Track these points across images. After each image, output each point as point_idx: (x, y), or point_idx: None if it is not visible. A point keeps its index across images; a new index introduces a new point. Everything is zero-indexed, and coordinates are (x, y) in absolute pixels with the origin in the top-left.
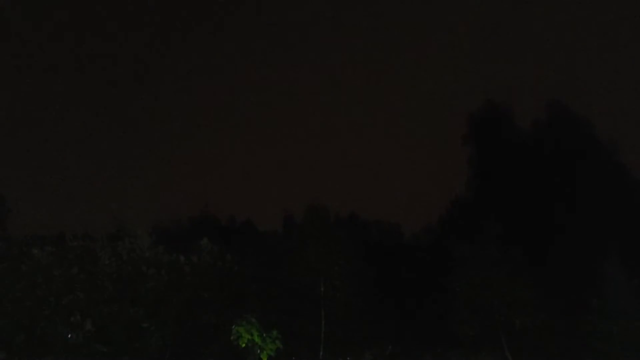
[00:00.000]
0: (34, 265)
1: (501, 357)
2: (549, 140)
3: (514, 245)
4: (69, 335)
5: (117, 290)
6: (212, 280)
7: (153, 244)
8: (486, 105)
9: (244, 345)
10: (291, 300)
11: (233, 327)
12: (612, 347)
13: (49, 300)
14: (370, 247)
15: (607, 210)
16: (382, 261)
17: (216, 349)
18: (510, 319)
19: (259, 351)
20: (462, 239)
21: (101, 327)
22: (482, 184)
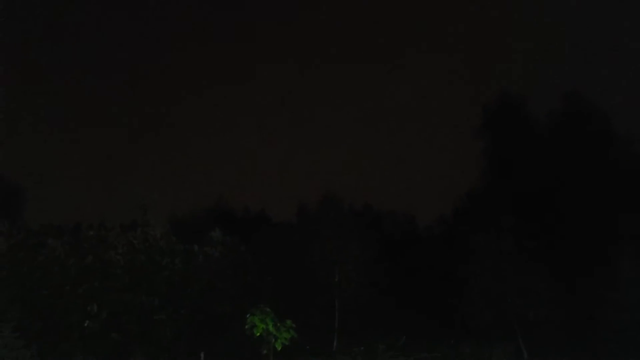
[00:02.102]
0: (50, 255)
1: (515, 348)
2: (565, 132)
3: (528, 237)
4: (85, 324)
5: (131, 280)
6: (226, 271)
7: (166, 234)
8: (501, 96)
9: (258, 334)
10: (305, 290)
11: (248, 316)
12: (627, 339)
13: (65, 289)
14: (384, 238)
15: (623, 203)
16: (396, 252)
17: (230, 338)
18: (524, 311)
19: (273, 340)
20: (476, 230)
21: (116, 316)
22: (497, 175)
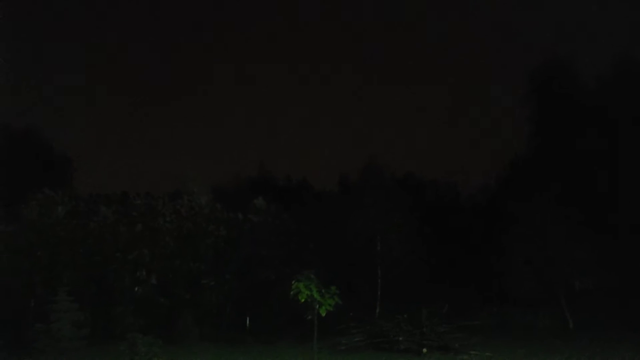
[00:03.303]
0: (101, 222)
1: (560, 317)
2: (614, 97)
3: (574, 205)
4: (136, 289)
5: (178, 247)
6: (269, 238)
7: (211, 202)
8: (548, 61)
9: (303, 300)
10: (347, 258)
11: (293, 282)
12: None
13: (116, 256)
14: (426, 206)
15: None
16: (438, 220)
17: (275, 304)
18: (570, 280)
19: (317, 306)
20: (520, 198)
21: (164, 281)
22: (542, 142)
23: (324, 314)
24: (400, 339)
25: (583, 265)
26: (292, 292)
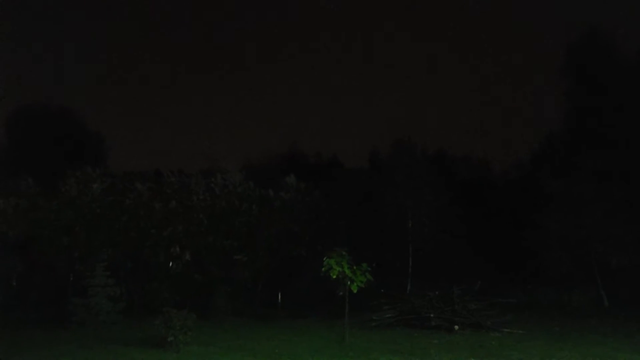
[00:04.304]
0: (136, 199)
1: (595, 295)
2: None
3: (611, 182)
4: (170, 265)
5: (212, 224)
6: (301, 215)
7: (244, 180)
8: (587, 33)
9: (334, 276)
10: (378, 235)
11: (324, 259)
12: None
13: (151, 232)
14: (458, 183)
15: None
16: (470, 197)
17: (306, 281)
18: (605, 258)
19: (349, 283)
20: (556, 174)
21: (198, 257)
22: (580, 117)
23: (355, 291)
24: (432, 315)
25: (620, 242)
26: (323, 269)
